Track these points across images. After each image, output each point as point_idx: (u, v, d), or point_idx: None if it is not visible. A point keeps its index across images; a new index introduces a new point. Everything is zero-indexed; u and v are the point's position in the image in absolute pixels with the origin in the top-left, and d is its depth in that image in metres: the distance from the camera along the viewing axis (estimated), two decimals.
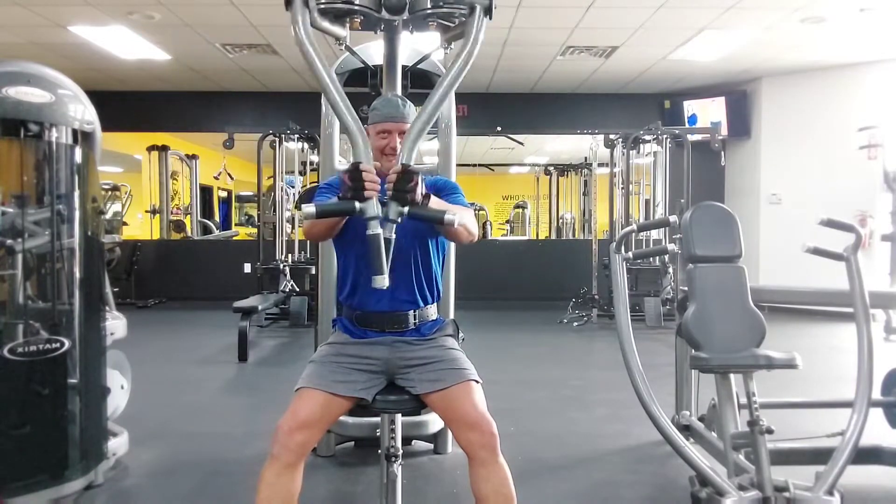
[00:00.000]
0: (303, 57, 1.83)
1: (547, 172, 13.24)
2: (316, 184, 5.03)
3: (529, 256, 9.70)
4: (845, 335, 5.12)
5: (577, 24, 6.24)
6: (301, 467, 1.78)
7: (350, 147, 1.90)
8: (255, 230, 9.26)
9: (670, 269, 6.94)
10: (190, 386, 4.56)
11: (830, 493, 2.09)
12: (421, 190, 1.71)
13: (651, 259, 7.21)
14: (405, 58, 2.76)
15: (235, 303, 5.69)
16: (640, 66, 7.83)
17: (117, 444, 2.89)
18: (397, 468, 1.97)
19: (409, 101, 2.04)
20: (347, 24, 2.09)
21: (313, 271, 6.93)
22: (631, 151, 7.70)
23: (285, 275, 7.10)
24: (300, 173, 8.23)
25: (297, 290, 7.10)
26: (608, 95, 9.18)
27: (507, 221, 15.82)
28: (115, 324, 2.88)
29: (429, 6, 1.98)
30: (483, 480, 1.79)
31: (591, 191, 9.39)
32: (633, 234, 4.32)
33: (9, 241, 2.44)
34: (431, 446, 3.17)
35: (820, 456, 2.36)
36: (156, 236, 10.29)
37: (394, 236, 1.71)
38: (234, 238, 11.66)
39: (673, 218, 2.64)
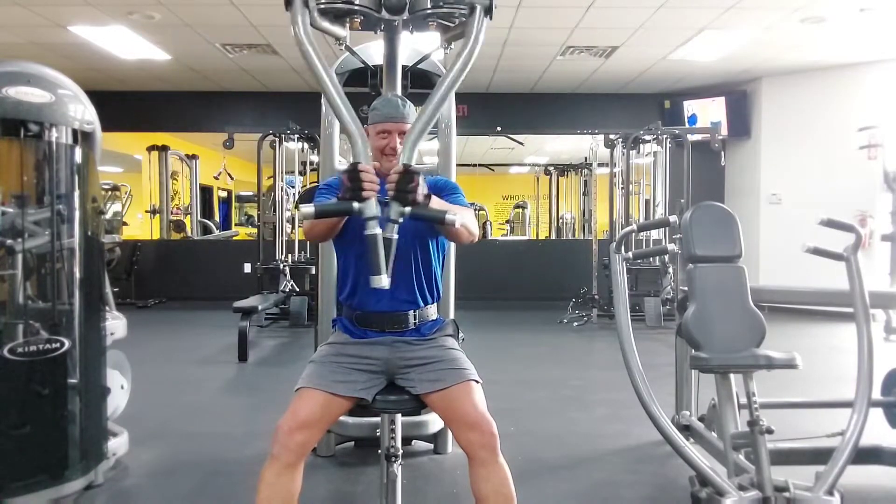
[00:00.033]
0: (303, 57, 1.83)
1: (547, 172, 13.24)
2: (316, 184, 5.03)
3: (529, 256, 9.70)
4: (845, 335, 5.12)
5: (577, 24, 6.24)
6: (301, 467, 1.78)
7: (350, 147, 1.90)
8: (255, 230, 9.26)
9: (670, 269, 6.93)
10: (190, 386, 4.56)
11: (830, 493, 2.09)
12: (422, 190, 1.70)
13: (651, 259, 7.21)
14: (405, 58, 2.76)
15: (235, 303, 5.69)
16: (640, 66, 7.83)
17: (117, 444, 2.89)
18: (397, 468, 1.97)
19: (409, 102, 2.04)
20: (347, 24, 2.09)
21: (313, 271, 6.93)
22: (631, 151, 7.69)
23: (285, 275, 7.11)
24: (300, 173, 8.23)
25: (297, 290, 7.10)
26: (608, 95, 9.18)
27: (507, 221, 15.81)
28: (115, 324, 2.88)
29: (429, 6, 1.98)
30: (483, 480, 1.79)
31: (591, 191, 9.39)
32: (633, 234, 4.33)
33: (9, 241, 2.44)
34: (431, 446, 3.17)
35: (820, 456, 2.36)
36: (156, 236, 10.29)
37: (395, 236, 1.71)
38: (234, 238, 11.66)
39: (673, 218, 2.64)
